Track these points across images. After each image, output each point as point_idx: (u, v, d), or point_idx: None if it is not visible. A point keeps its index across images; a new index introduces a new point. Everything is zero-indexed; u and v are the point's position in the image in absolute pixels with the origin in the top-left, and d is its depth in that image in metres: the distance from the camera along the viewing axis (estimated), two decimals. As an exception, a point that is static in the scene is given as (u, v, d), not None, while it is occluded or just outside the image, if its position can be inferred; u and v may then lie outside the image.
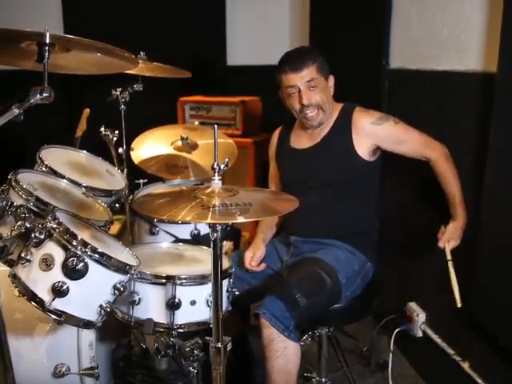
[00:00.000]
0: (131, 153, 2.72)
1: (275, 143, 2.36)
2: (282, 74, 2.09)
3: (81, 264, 1.53)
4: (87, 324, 1.61)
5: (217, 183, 1.51)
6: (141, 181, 2.73)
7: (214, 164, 1.49)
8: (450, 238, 2.05)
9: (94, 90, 2.77)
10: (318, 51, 2.16)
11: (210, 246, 1.46)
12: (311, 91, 2.07)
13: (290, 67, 2.06)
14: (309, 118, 2.11)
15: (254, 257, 2.15)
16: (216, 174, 1.50)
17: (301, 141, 2.24)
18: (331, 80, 2.16)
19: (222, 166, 1.50)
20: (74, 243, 1.54)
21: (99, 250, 1.56)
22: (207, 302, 1.75)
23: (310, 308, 1.88)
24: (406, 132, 2.11)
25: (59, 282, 1.52)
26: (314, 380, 2.25)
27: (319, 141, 2.17)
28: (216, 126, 1.50)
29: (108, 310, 1.61)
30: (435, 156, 2.08)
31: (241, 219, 1.37)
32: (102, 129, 2.61)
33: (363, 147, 2.10)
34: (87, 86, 3.13)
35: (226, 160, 1.52)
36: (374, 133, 2.09)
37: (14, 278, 1.57)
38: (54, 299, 1.52)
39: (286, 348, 1.83)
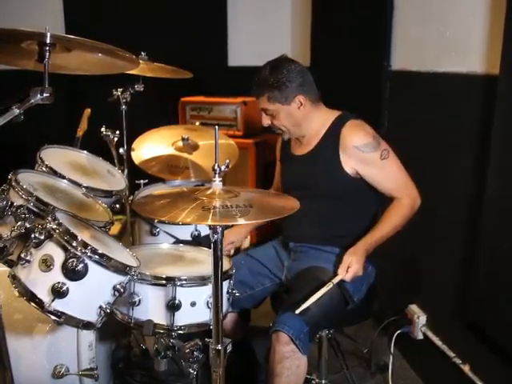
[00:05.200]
0: (132, 153, 2.72)
1: (279, 147, 2.36)
2: None
3: (81, 265, 1.52)
4: (87, 325, 1.60)
5: (217, 184, 1.50)
6: (141, 181, 2.73)
7: (214, 165, 1.49)
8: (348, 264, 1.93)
9: (95, 90, 2.77)
10: (279, 73, 2.03)
11: (210, 248, 1.46)
12: (268, 116, 2.12)
13: (252, 90, 2.14)
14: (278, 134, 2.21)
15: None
16: (216, 176, 1.50)
17: (296, 147, 2.23)
18: (297, 101, 2.05)
19: (223, 167, 1.50)
20: (74, 244, 1.53)
21: (99, 251, 1.56)
22: (207, 303, 1.75)
23: (320, 310, 1.86)
24: (389, 170, 2.04)
25: (59, 282, 1.51)
26: (313, 382, 2.23)
27: (309, 150, 2.13)
28: (217, 127, 1.49)
29: (108, 311, 1.60)
30: (404, 199, 2.03)
31: (241, 221, 1.37)
32: (103, 129, 2.61)
33: (348, 165, 2.04)
34: (88, 86, 3.14)
35: (227, 161, 1.51)
36: (356, 157, 2.02)
37: (14, 278, 1.56)
38: (53, 300, 1.51)
39: (298, 366, 1.83)
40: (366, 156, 2.01)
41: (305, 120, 2.10)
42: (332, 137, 2.07)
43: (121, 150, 2.69)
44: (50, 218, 1.58)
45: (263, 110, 2.11)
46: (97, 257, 1.55)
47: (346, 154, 2.03)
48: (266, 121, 2.14)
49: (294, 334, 1.79)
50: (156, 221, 2.47)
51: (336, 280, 1.91)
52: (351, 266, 1.92)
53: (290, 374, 1.82)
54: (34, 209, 1.69)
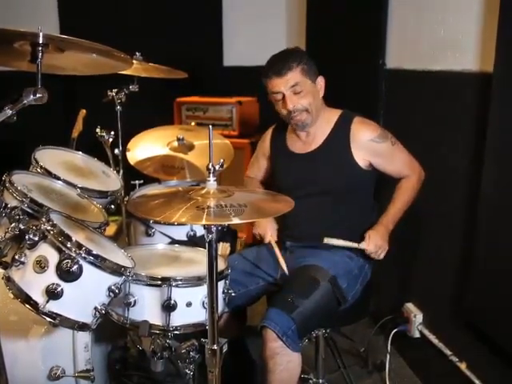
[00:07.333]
0: (127, 153, 2.72)
1: (268, 141, 2.32)
2: (266, 79, 2.05)
3: (75, 266, 1.51)
4: (82, 326, 1.59)
5: (212, 184, 1.50)
6: (137, 182, 2.72)
7: (208, 165, 1.48)
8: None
9: (90, 90, 2.76)
10: (304, 53, 2.12)
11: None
12: (296, 95, 2.03)
13: (273, 72, 2.02)
14: (296, 122, 2.09)
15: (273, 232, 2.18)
16: (211, 175, 1.49)
17: (297, 144, 2.20)
18: (320, 81, 2.10)
19: (217, 167, 1.49)
20: (69, 245, 1.52)
21: (94, 252, 1.55)
22: (203, 303, 1.74)
23: (309, 308, 1.85)
24: (398, 154, 2.14)
25: (53, 284, 1.50)
26: (310, 381, 2.23)
27: (318, 146, 2.14)
28: (211, 127, 1.48)
29: (103, 312, 1.59)
30: (411, 176, 2.15)
31: (235, 220, 1.36)
32: (98, 129, 2.60)
33: (360, 158, 2.09)
34: (83, 87, 3.13)
35: (221, 161, 1.51)
36: (371, 149, 2.09)
37: (8, 280, 1.55)
38: (48, 301, 1.50)
39: (289, 362, 1.83)
40: (380, 146, 2.10)
41: (319, 109, 2.12)
42: (341, 133, 2.11)
43: (116, 151, 2.69)
44: (44, 219, 1.57)
45: (293, 87, 2.01)
46: (91, 258, 1.54)
47: (359, 147, 2.09)
48: (292, 102, 2.02)
49: (280, 330, 1.79)
50: (151, 221, 2.46)
51: (361, 245, 2.04)
52: (371, 236, 2.03)
53: (282, 370, 1.82)
54: (29, 210, 1.69)
